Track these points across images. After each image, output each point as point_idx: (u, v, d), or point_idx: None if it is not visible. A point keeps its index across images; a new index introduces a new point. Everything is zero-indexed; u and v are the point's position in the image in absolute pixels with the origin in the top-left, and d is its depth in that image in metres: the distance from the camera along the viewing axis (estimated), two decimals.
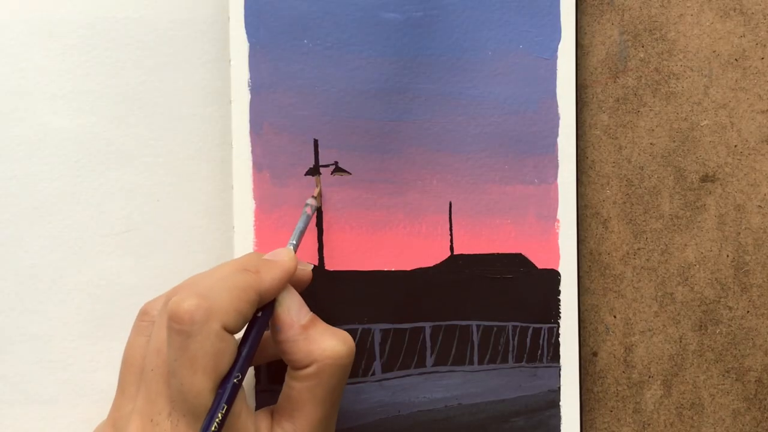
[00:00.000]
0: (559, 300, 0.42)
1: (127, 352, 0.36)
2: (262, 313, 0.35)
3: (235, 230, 0.40)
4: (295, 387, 0.35)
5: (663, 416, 0.43)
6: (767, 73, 0.43)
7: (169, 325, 0.32)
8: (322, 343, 0.34)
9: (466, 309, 0.42)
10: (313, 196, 0.40)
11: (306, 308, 0.36)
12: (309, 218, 0.39)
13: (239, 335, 0.34)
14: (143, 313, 0.37)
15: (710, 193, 0.43)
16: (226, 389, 0.32)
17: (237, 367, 0.33)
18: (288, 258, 0.36)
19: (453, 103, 0.41)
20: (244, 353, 0.33)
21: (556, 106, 0.42)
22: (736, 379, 0.43)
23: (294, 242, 0.37)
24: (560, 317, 0.42)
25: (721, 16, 0.43)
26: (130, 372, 0.35)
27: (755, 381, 0.43)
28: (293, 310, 0.35)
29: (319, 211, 0.41)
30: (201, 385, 0.31)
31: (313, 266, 0.38)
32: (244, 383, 0.35)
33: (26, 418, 0.41)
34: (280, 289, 0.35)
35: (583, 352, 0.43)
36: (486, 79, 0.42)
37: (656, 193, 0.43)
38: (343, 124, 0.41)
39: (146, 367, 0.33)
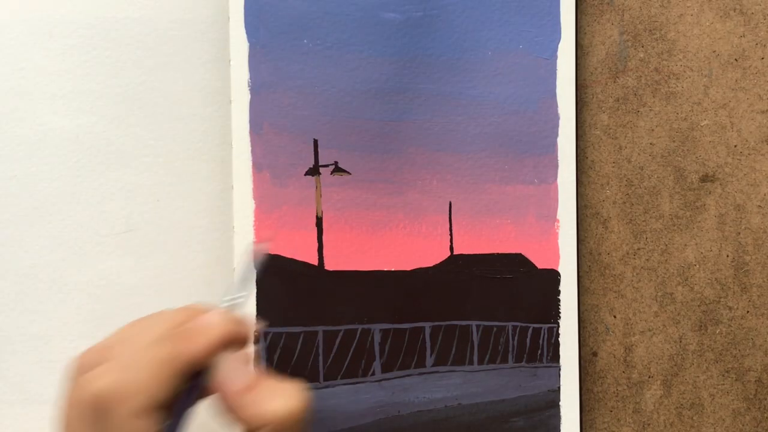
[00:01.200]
0: (559, 300, 0.42)
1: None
2: (194, 382, 0.32)
3: (235, 230, 0.40)
4: None
5: (663, 416, 0.43)
6: (767, 73, 0.43)
7: (83, 406, 0.30)
8: (272, 404, 0.32)
9: (466, 309, 0.42)
10: (257, 244, 0.38)
11: (247, 368, 0.33)
12: (254, 268, 0.36)
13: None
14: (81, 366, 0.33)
15: (710, 193, 0.43)
16: None
17: None
18: (220, 323, 0.32)
19: (453, 103, 0.41)
20: (166, 426, 0.31)
21: (556, 106, 0.42)
22: (736, 379, 0.43)
23: (227, 300, 0.34)
24: (560, 317, 0.42)
25: (721, 16, 0.43)
26: None
27: (755, 381, 0.43)
28: (231, 375, 0.32)
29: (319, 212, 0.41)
30: None
31: (261, 327, 0.36)
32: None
33: (26, 418, 0.41)
34: (214, 355, 0.32)
35: (583, 352, 0.43)
36: (486, 79, 0.42)
37: (656, 193, 0.43)
38: (343, 124, 0.41)
39: None
